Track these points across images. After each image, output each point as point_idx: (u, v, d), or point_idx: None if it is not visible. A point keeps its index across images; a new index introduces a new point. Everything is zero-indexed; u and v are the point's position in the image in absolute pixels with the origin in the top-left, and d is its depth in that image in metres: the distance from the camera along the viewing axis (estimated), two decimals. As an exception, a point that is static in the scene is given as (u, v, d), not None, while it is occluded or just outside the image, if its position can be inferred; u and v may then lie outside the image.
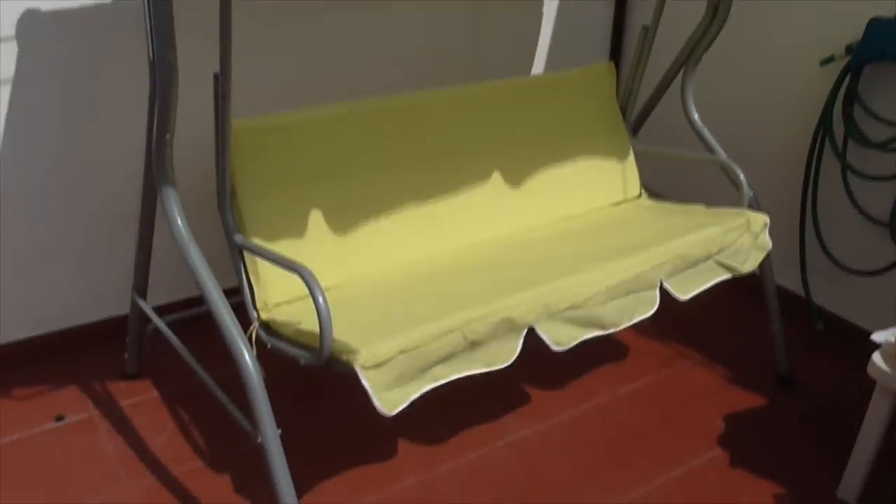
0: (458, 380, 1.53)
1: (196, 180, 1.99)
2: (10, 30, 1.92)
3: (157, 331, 1.95)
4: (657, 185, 2.46)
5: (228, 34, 1.39)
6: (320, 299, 1.40)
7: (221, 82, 1.47)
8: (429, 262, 1.95)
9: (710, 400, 2.23)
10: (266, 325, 1.66)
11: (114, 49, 2.07)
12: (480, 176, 2.10)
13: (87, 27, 2.01)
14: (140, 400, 2.15)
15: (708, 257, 1.91)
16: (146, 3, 1.44)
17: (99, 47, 2.05)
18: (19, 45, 1.95)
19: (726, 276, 1.96)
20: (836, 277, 2.48)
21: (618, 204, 2.36)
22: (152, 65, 1.48)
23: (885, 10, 2.16)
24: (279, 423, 1.47)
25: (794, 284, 2.59)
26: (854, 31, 2.23)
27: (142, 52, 1.62)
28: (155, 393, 2.18)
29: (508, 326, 1.56)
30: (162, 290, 2.30)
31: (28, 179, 2.10)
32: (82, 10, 1.98)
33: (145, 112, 1.71)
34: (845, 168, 2.34)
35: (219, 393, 1.72)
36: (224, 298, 1.51)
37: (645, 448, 2.04)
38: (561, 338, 1.65)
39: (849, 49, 2.26)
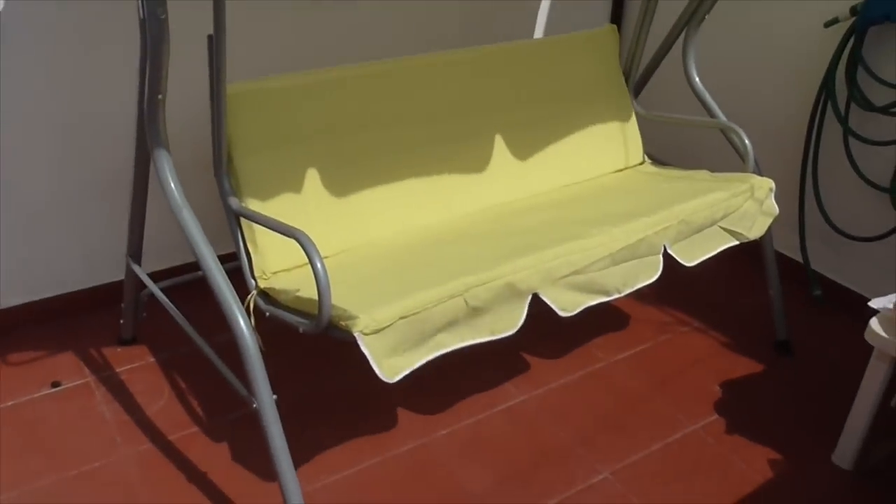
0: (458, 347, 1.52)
1: (191, 144, 1.96)
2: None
3: (152, 296, 1.93)
4: (659, 151, 2.43)
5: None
6: (318, 265, 1.38)
7: (216, 44, 1.43)
8: (429, 228, 1.93)
9: (707, 366, 2.23)
10: (264, 293, 1.64)
11: (106, 9, 2.01)
12: (481, 141, 2.07)
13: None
14: (136, 366, 2.14)
15: (713, 223, 1.90)
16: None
17: (91, 7, 2.00)
18: (8, 7, 1.90)
19: (733, 242, 1.94)
20: (835, 243, 2.47)
21: (621, 170, 2.33)
22: (143, 23, 1.44)
23: (891, -29, 2.12)
24: (276, 390, 1.46)
25: (792, 250, 2.58)
26: (860, -9, 2.20)
27: (134, 11, 1.58)
28: (151, 359, 2.17)
29: (511, 292, 1.54)
30: (158, 256, 2.28)
31: (21, 144, 2.06)
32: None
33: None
34: (847, 132, 2.32)
35: (215, 359, 1.71)
36: (219, 264, 1.49)
37: (642, 414, 2.04)
38: (566, 304, 1.64)
39: (853, 10, 2.23)
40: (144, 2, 1.40)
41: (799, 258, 2.56)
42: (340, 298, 1.43)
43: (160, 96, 1.50)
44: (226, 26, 1.41)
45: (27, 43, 1.95)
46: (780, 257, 2.37)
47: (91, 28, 2.02)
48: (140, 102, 1.57)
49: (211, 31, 1.42)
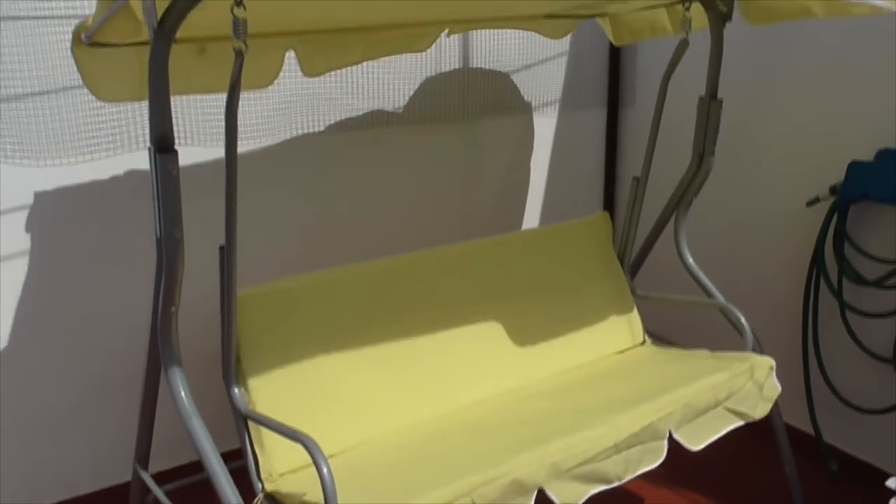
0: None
1: (199, 337, 2.00)
2: (20, 201, 2.00)
3: (157, 501, 1.90)
4: (659, 327, 2.46)
5: (233, 210, 1.45)
6: (325, 470, 1.38)
7: (227, 254, 1.51)
8: (435, 421, 1.93)
9: (729, 551, 2.15)
10: (271, 497, 1.63)
11: (121, 219, 2.14)
12: (484, 332, 2.11)
13: (96, 199, 2.09)
14: (138, 574, 2.07)
15: (717, 404, 1.89)
16: (155, 181, 1.50)
17: (107, 218, 2.12)
18: (29, 217, 2.02)
19: (739, 422, 1.92)
20: (846, 415, 2.44)
21: (622, 352, 2.35)
22: (159, 241, 1.52)
23: (863, 155, 2.24)
24: None
25: (803, 423, 2.55)
26: (836, 172, 2.31)
27: (148, 221, 1.66)
28: (154, 565, 2.10)
29: (517, 488, 1.52)
30: (164, 454, 2.26)
31: (32, 347, 2.11)
32: (93, 185, 2.07)
33: (148, 278, 1.74)
34: (843, 306, 2.35)
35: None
36: (227, 472, 1.49)
37: None
38: (569, 496, 1.60)
39: (833, 190, 2.33)
40: (161, 221, 1.49)
41: (810, 430, 2.51)
42: (348, 502, 1.41)
43: (174, 308, 1.55)
44: (236, 238, 1.49)
45: (41, 248, 2.05)
46: (792, 430, 2.33)
47: (104, 236, 2.13)
48: (154, 314, 1.62)
49: (223, 242, 1.51)
